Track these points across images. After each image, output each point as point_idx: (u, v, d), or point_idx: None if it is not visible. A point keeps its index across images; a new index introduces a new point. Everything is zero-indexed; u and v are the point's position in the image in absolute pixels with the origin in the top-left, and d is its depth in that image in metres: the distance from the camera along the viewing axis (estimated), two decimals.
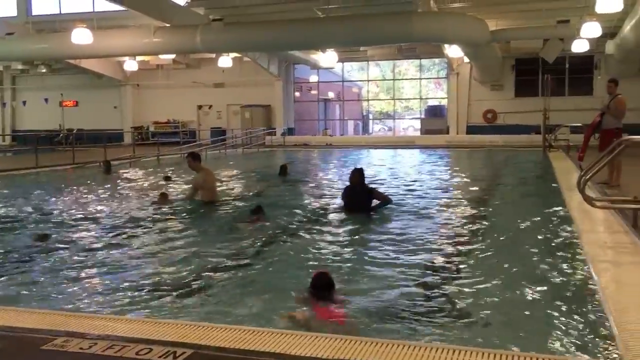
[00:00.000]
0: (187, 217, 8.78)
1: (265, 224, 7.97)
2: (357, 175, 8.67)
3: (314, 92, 32.33)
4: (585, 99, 24.18)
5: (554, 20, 19.48)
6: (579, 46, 19.81)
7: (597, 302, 4.16)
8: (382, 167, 16.92)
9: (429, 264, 5.82)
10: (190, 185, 10.07)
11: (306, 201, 10.28)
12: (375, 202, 8.68)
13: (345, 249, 6.51)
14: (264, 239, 7.20)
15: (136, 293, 4.93)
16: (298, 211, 8.99)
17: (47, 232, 7.43)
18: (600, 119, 9.90)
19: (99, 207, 9.76)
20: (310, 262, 5.84)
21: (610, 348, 3.38)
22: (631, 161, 11.79)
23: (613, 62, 23.64)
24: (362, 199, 8.55)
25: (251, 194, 11.28)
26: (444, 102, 29.90)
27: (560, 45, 21.57)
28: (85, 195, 11.26)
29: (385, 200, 8.86)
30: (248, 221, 8.20)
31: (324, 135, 29.96)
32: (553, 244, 6.34)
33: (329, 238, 7.13)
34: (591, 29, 16.50)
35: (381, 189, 10.06)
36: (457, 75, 27.57)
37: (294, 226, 8.00)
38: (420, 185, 12.37)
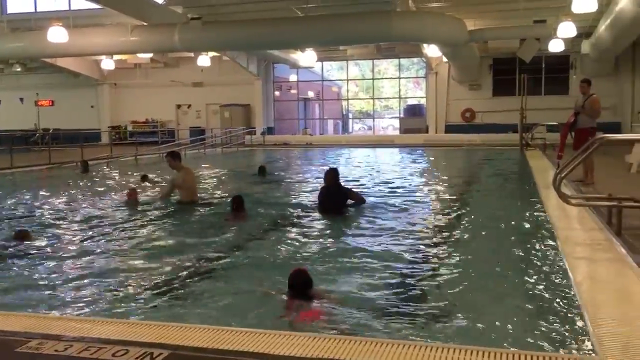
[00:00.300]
0: (164, 216, 8.71)
1: (243, 222, 7.96)
2: (332, 175, 8.68)
3: (293, 91, 32.29)
4: (561, 98, 24.46)
5: (531, 20, 19.72)
6: (555, 46, 20.05)
7: (572, 298, 4.21)
8: (361, 166, 16.97)
9: (406, 261, 5.85)
10: (168, 183, 9.98)
11: (284, 201, 10.27)
12: (349, 202, 8.73)
13: (322, 248, 6.52)
14: (242, 237, 7.21)
15: (112, 294, 4.89)
16: (275, 211, 8.97)
17: (26, 229, 7.32)
18: (574, 119, 10.04)
19: (74, 208, 9.64)
20: (288, 261, 5.83)
21: (585, 343, 3.42)
22: (605, 159, 12.01)
23: (588, 62, 24.00)
24: (337, 199, 8.57)
25: (227, 194, 11.22)
26: (423, 101, 30.07)
27: (537, 45, 21.83)
28: (61, 196, 11.12)
29: (360, 200, 8.91)
30: (227, 219, 8.22)
31: (303, 134, 29.95)
32: (529, 241, 6.41)
33: (307, 237, 7.12)
34: (567, 29, 16.72)
35: (360, 188, 10.09)
36: (435, 74, 27.76)
37: (272, 226, 8.00)
38: (399, 184, 12.42)
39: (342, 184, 9.16)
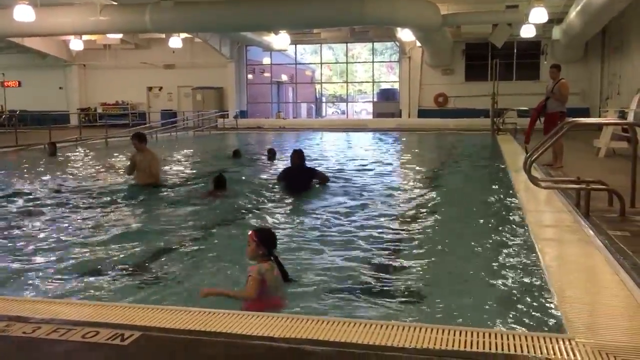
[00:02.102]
0: (130, 198, 8.65)
1: (222, 199, 8.06)
2: (297, 156, 9.08)
3: (266, 74, 32.05)
4: (532, 84, 24.78)
5: (503, 6, 19.83)
6: (527, 31, 20.24)
7: (541, 278, 4.29)
8: (334, 149, 16.98)
9: (377, 243, 5.91)
10: (129, 161, 9.80)
11: (257, 182, 10.21)
12: (315, 182, 9.08)
13: (294, 229, 6.54)
14: (213, 218, 7.20)
15: (80, 276, 4.82)
16: (248, 192, 8.93)
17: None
18: (544, 103, 10.17)
19: (41, 190, 9.47)
20: None
21: (554, 321, 3.49)
22: (574, 144, 12.21)
23: (559, 48, 24.29)
24: (303, 178, 8.95)
25: (201, 176, 11.14)
26: (396, 85, 30.13)
27: (509, 30, 21.99)
28: (28, 178, 10.90)
29: (324, 179, 9.30)
30: (207, 193, 8.39)
31: (277, 118, 29.80)
32: (500, 223, 6.50)
33: (278, 218, 7.15)
34: (538, 15, 16.89)
35: (332, 170, 10.16)
36: (409, 59, 27.79)
37: (243, 206, 7.97)
38: (371, 167, 12.48)
39: (313, 166, 9.32)
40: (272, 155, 13.41)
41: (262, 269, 3.98)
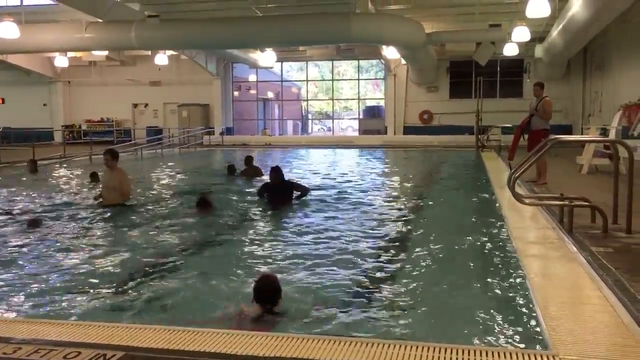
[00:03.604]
0: (111, 217, 8.49)
1: (205, 217, 8.05)
2: (275, 173, 9.35)
3: (253, 91, 32.12)
4: (515, 101, 25.09)
5: (487, 25, 20.10)
6: (510, 50, 20.50)
7: (525, 295, 4.30)
8: (320, 166, 16.99)
9: (362, 260, 5.89)
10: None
11: (244, 199, 10.18)
12: (296, 194, 9.38)
13: (278, 245, 6.53)
14: (198, 235, 7.16)
15: (61, 295, 4.75)
16: (233, 210, 8.92)
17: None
18: (528, 121, 10.28)
19: (21, 208, 9.34)
20: (244, 261, 5.79)
21: (538, 338, 3.50)
22: (558, 161, 12.34)
23: (541, 66, 24.64)
24: (284, 193, 9.21)
25: (184, 194, 11.09)
26: (382, 102, 30.33)
27: (492, 48, 22.27)
28: (8, 196, 10.77)
29: (304, 190, 9.62)
30: (195, 209, 8.47)
31: (263, 135, 29.82)
32: (484, 239, 6.53)
33: (265, 235, 7.13)
34: (521, 33, 17.12)
35: (318, 187, 10.25)
36: (394, 76, 28.03)
37: (230, 223, 7.96)
38: (356, 183, 12.50)
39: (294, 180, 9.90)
40: (231, 171, 13.54)
41: None
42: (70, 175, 14.94)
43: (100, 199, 9.20)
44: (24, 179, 13.62)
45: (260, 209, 9.01)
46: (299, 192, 9.45)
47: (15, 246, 6.61)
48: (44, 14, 21.18)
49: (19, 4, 19.31)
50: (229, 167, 13.94)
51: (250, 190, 11.00)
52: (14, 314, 4.31)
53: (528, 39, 17.77)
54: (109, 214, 8.55)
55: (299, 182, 10.20)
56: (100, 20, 18.31)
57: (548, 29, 20.23)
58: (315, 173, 14.83)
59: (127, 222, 8.17)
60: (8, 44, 17.87)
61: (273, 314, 3.99)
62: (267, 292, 4.05)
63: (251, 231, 7.43)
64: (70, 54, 25.94)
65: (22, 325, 3.49)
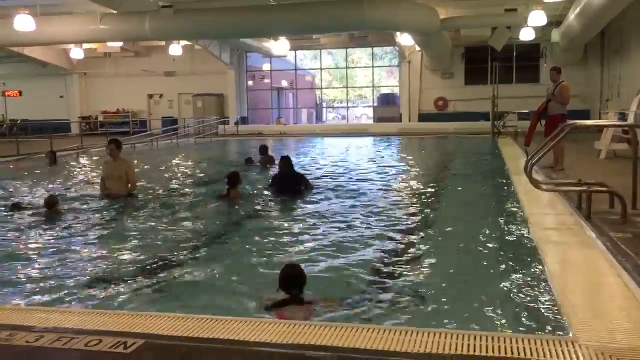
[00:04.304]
0: (130, 206, 8.56)
1: (233, 203, 8.22)
2: (285, 162, 9.48)
3: (267, 80, 32.11)
4: (532, 87, 24.82)
5: (502, 9, 19.87)
6: (526, 35, 20.29)
7: (544, 281, 4.28)
8: (335, 155, 16.99)
9: (381, 247, 5.89)
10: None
11: (264, 189, 10.20)
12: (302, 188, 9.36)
13: (295, 234, 6.53)
14: (217, 225, 7.19)
15: (82, 284, 4.82)
16: (253, 200, 8.94)
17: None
18: (546, 106, 10.18)
19: (41, 199, 9.43)
20: (262, 250, 5.81)
21: (558, 324, 3.48)
22: (575, 146, 12.22)
23: (558, 51, 24.31)
24: (293, 183, 9.25)
25: (201, 184, 11.15)
26: (397, 90, 30.15)
27: (508, 33, 22.03)
28: (29, 187, 10.91)
29: (309, 187, 9.56)
30: (223, 195, 8.58)
31: (277, 124, 29.83)
32: (502, 226, 6.50)
33: (283, 224, 7.14)
34: (537, 18, 16.93)
35: (334, 175, 10.27)
36: (409, 63, 27.82)
37: (247, 212, 7.99)
38: (373, 171, 12.49)
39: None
40: (250, 161, 13.56)
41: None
42: (90, 166, 15.06)
43: (105, 190, 9.19)
44: (41, 171, 13.75)
45: (277, 198, 8.99)
46: (304, 187, 9.38)
47: (35, 237, 6.70)
48: (59, 6, 21.22)
49: None
50: (247, 160, 13.93)
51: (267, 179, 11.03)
52: (36, 303, 4.37)
53: (544, 23, 17.58)
54: (119, 204, 8.61)
55: (306, 178, 10.02)
56: (114, 12, 18.38)
57: (565, 13, 19.94)
58: (331, 161, 14.82)
59: (141, 212, 8.24)
60: (24, 37, 18.05)
61: (298, 301, 4.02)
62: (295, 278, 4.14)
63: (269, 220, 7.45)
64: (86, 46, 26.09)
65: (44, 314, 3.54)
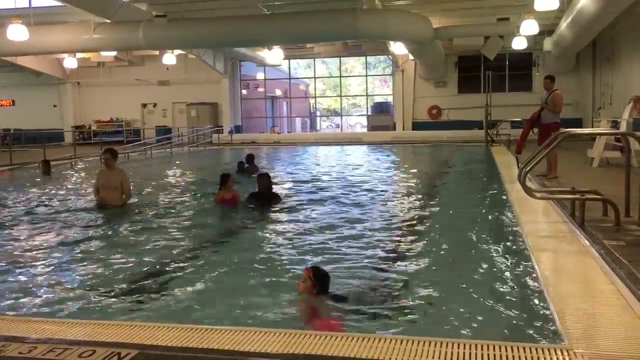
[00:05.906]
0: (124, 216, 8.53)
1: (229, 208, 8.35)
2: (264, 180, 9.06)
3: (260, 89, 32.15)
4: (524, 95, 24.98)
5: (495, 18, 20.00)
6: (518, 43, 20.40)
7: (538, 289, 4.29)
8: (329, 163, 17.00)
9: (374, 255, 5.90)
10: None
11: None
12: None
13: (293, 243, 6.52)
14: (207, 235, 7.18)
15: (76, 294, 4.78)
16: (246, 207, 8.93)
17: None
18: (538, 114, 10.23)
19: (35, 209, 9.40)
20: (256, 258, 5.81)
21: (552, 332, 3.48)
22: (568, 154, 12.28)
23: (550, 59, 24.47)
24: (269, 202, 8.86)
25: (194, 193, 11.13)
26: (390, 98, 30.25)
27: (501, 42, 22.16)
28: (22, 197, 10.85)
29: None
30: (220, 200, 8.67)
31: (271, 132, 29.86)
32: (495, 234, 6.52)
33: (276, 233, 7.14)
34: (529, 27, 17.04)
35: (327, 184, 10.25)
36: (402, 72, 27.94)
37: (245, 221, 7.98)
38: (366, 179, 12.49)
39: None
40: (241, 168, 13.59)
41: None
42: (84, 175, 15.01)
43: (99, 200, 9.03)
44: (35, 180, 13.70)
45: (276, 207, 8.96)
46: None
47: (28, 247, 6.66)
48: (52, 15, 21.23)
49: (28, 6, 19.38)
50: (239, 163, 13.97)
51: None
52: (28, 314, 4.33)
53: (536, 32, 17.69)
54: (114, 215, 8.52)
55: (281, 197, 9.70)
56: (108, 21, 18.39)
57: (557, 22, 20.09)
58: (323, 169, 14.84)
59: (135, 222, 8.19)
60: (17, 46, 17.98)
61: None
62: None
63: (262, 229, 7.44)
64: (79, 55, 26.07)
65: (36, 324, 3.51)
